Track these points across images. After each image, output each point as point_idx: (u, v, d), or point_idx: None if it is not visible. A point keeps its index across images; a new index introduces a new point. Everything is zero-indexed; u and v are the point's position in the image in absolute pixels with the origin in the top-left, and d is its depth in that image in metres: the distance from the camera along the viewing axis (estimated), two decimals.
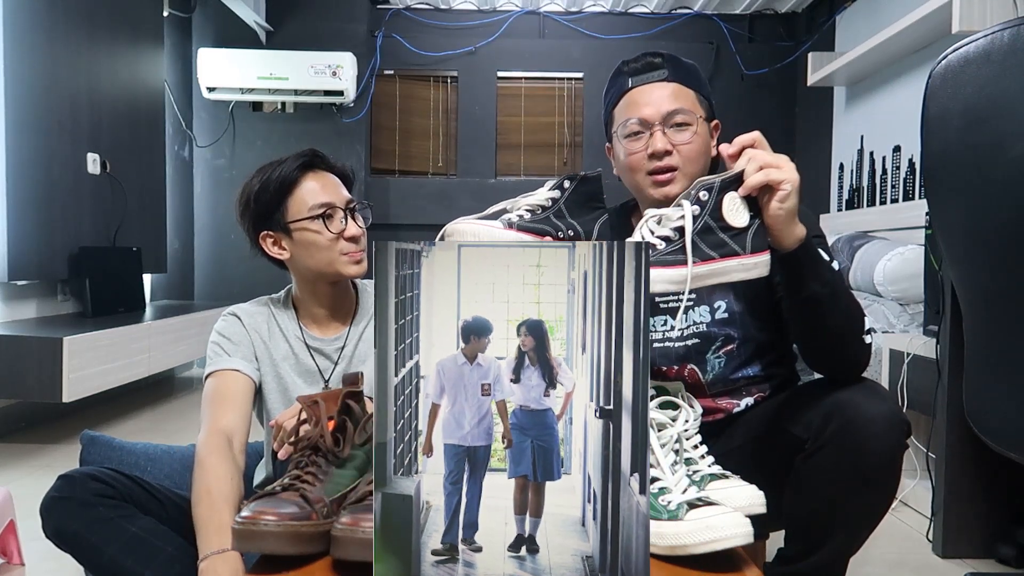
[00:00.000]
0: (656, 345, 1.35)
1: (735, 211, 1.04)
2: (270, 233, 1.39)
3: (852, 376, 1.20)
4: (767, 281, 1.31)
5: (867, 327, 1.18)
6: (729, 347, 1.34)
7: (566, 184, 1.12)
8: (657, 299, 1.33)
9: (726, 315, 1.34)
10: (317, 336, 1.44)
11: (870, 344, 1.19)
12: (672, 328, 1.35)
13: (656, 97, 1.30)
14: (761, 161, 1.04)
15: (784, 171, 1.04)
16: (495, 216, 1.10)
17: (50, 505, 1.17)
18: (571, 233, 1.09)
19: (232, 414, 1.30)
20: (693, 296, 1.34)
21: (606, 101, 1.39)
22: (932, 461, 2.14)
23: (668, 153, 1.28)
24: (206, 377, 1.37)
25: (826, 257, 1.20)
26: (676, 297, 1.36)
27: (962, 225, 1.28)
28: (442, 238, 1.09)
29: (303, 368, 1.42)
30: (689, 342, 1.35)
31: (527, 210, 1.11)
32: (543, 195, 1.12)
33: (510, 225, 1.08)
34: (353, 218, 1.39)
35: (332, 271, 1.37)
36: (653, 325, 1.34)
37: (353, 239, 1.37)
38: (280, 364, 1.41)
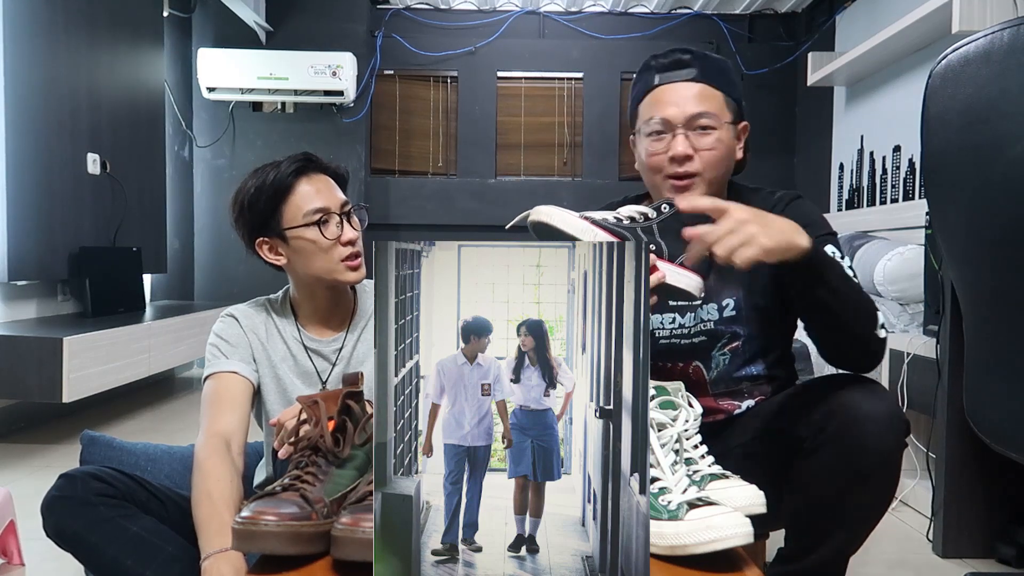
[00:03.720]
0: (663, 342, 1.35)
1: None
2: (266, 240, 1.38)
3: (868, 368, 1.21)
4: (772, 281, 1.31)
5: (880, 321, 1.19)
6: (735, 344, 1.34)
7: (664, 208, 1.13)
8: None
9: (733, 312, 1.33)
10: (315, 337, 1.44)
11: (884, 338, 1.19)
12: (680, 326, 1.35)
13: (681, 97, 1.26)
14: (703, 246, 1.03)
15: (721, 239, 1.01)
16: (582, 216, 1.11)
17: (51, 504, 1.17)
18: (652, 248, 1.09)
19: (230, 416, 1.30)
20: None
21: (632, 95, 1.35)
22: (932, 461, 2.14)
23: (689, 158, 1.25)
24: (204, 379, 1.37)
25: (836, 255, 1.21)
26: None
27: (962, 225, 1.28)
28: (526, 217, 1.10)
29: (301, 369, 1.42)
30: (696, 339, 1.35)
31: (615, 217, 1.11)
32: (635, 209, 1.13)
33: (586, 218, 1.08)
34: (349, 221, 1.38)
35: (330, 279, 1.37)
36: (661, 323, 1.34)
37: (350, 243, 1.37)
38: (278, 365, 1.41)
